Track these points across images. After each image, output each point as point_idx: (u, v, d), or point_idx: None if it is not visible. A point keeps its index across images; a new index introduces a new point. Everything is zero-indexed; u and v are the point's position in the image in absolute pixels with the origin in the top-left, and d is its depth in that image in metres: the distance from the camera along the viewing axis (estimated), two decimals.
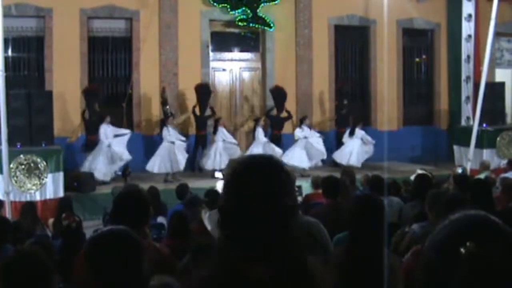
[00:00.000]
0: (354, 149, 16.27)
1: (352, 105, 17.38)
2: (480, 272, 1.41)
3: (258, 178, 1.86)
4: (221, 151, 15.27)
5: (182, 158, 14.81)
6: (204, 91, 15.96)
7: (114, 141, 14.46)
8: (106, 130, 14.46)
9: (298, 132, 15.97)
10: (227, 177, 1.93)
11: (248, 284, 1.79)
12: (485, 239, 1.44)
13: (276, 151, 15.28)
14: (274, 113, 16.60)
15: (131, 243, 2.53)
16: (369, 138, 16.44)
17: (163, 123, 15.19)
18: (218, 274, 1.84)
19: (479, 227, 1.49)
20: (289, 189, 1.90)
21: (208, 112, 16.01)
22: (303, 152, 15.66)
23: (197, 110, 15.83)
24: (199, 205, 8.11)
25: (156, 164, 14.68)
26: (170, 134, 14.76)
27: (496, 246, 1.43)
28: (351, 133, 16.54)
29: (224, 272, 1.83)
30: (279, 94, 16.53)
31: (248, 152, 14.92)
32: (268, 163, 1.93)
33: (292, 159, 15.22)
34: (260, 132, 15.81)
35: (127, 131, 14.91)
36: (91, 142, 14.62)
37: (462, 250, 1.42)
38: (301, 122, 16.19)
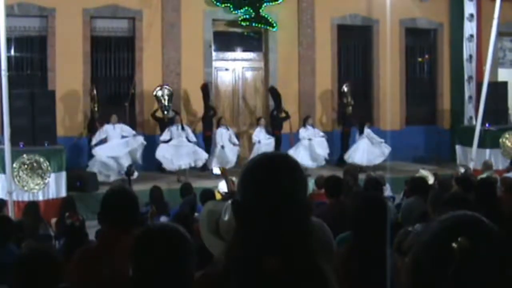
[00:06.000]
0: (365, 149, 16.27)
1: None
2: (472, 267, 1.43)
3: (272, 175, 1.89)
4: None
5: (187, 158, 14.79)
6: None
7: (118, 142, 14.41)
8: (108, 130, 14.42)
9: (302, 132, 15.99)
10: (242, 174, 1.96)
11: (263, 277, 1.82)
12: (473, 237, 1.46)
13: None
14: (275, 113, 16.59)
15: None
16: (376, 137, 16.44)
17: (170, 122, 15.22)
18: (234, 265, 1.87)
19: (467, 226, 1.51)
20: (303, 187, 1.94)
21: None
22: (306, 153, 15.64)
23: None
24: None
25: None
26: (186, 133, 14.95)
27: (484, 244, 1.46)
28: (360, 132, 16.48)
29: (240, 264, 1.86)
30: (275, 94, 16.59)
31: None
32: (282, 160, 1.96)
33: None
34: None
35: (139, 138, 14.78)
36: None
37: (454, 245, 1.44)
38: (304, 122, 16.20)
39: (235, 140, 15.61)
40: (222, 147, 15.15)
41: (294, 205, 1.87)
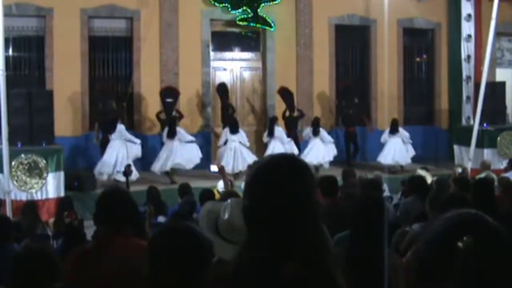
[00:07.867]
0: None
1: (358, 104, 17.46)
2: (477, 266, 1.42)
3: (278, 177, 1.90)
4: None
5: (187, 158, 14.69)
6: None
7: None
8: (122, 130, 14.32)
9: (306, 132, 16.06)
10: (251, 176, 1.96)
11: (275, 279, 1.83)
12: (476, 236, 1.45)
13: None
14: (287, 113, 16.50)
15: None
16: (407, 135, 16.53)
17: (171, 122, 15.02)
18: (246, 267, 1.87)
19: (470, 224, 1.50)
20: (312, 188, 1.94)
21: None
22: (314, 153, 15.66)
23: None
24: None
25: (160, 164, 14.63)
26: (181, 133, 14.71)
27: (488, 242, 1.45)
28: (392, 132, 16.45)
29: (253, 266, 1.86)
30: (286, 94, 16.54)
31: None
32: (288, 162, 1.97)
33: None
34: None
35: (137, 140, 14.56)
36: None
37: (460, 244, 1.43)
38: (312, 124, 16.19)
39: (246, 142, 15.39)
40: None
41: (300, 206, 1.87)
